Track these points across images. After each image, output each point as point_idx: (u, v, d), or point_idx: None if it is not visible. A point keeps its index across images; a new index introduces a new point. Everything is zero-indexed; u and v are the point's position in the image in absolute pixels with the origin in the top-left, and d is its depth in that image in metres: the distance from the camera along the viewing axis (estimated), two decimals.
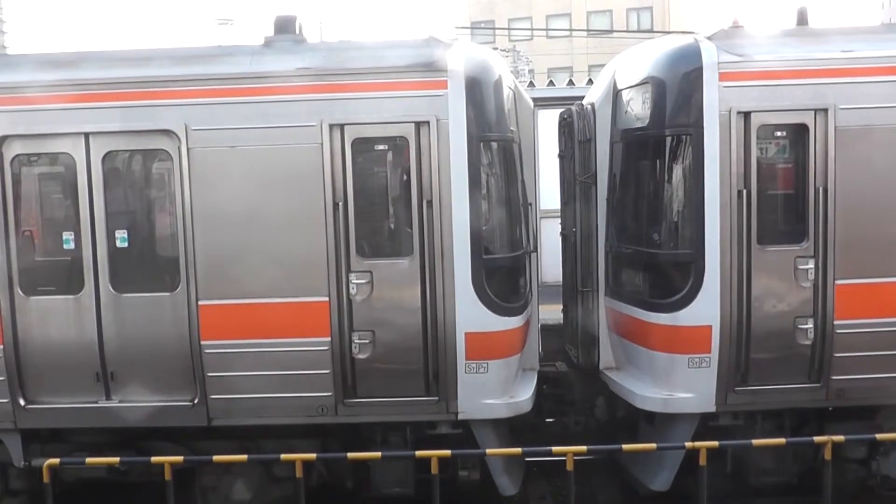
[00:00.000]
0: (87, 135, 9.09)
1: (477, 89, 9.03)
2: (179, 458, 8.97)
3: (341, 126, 8.94)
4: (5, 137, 9.12)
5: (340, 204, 8.97)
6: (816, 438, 8.99)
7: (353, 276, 9.03)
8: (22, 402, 9.31)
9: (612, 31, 50.69)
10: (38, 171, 9.64)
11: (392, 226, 9.48)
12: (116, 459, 9.19)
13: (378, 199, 9.42)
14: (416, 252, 9.04)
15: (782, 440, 9.19)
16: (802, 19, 9.73)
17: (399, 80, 8.98)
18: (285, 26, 9.67)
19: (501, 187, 9.58)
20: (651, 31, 52.59)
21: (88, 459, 9.18)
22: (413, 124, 8.92)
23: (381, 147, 9.24)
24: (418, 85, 8.95)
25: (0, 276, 9.17)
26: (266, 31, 9.72)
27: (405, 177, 9.12)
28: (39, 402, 9.36)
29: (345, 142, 8.96)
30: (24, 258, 9.31)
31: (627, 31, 48.98)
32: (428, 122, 8.88)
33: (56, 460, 8.94)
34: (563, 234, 11.60)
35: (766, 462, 9.67)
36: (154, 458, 8.94)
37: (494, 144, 9.31)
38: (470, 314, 9.01)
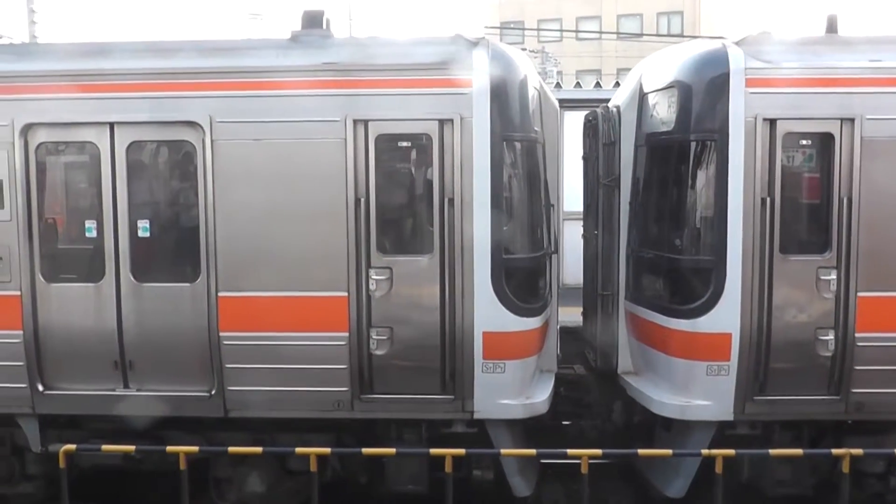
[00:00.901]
0: (111, 124, 9.14)
1: (502, 88, 8.99)
2: (195, 448, 8.99)
3: (365, 122, 8.94)
4: (31, 125, 9.18)
5: (362, 200, 8.97)
6: (834, 451, 8.87)
7: (372, 272, 9.03)
8: (40, 387, 9.39)
9: (641, 35, 50.47)
10: (63, 160, 9.68)
11: (413, 223, 9.47)
12: (132, 448, 9.22)
13: (400, 195, 9.43)
14: (436, 250, 9.02)
15: (799, 451, 9.07)
16: (832, 27, 9.64)
17: (424, 78, 8.96)
18: (313, 21, 9.68)
19: (524, 187, 9.54)
20: (681, 35, 52.29)
21: (104, 447, 9.21)
22: (437, 122, 8.90)
23: (404, 144, 9.23)
24: (443, 82, 8.92)
25: (23, 262, 9.24)
26: (294, 26, 9.75)
27: (427, 174, 9.11)
28: (57, 389, 9.43)
29: (368, 138, 8.95)
30: (46, 245, 9.37)
31: (657, 35, 48.78)
32: (452, 120, 8.85)
33: (72, 446, 8.99)
34: (584, 237, 11.55)
35: (782, 473, 9.59)
36: (169, 448, 8.98)
37: (518, 144, 9.28)
38: (488, 314, 8.98)
